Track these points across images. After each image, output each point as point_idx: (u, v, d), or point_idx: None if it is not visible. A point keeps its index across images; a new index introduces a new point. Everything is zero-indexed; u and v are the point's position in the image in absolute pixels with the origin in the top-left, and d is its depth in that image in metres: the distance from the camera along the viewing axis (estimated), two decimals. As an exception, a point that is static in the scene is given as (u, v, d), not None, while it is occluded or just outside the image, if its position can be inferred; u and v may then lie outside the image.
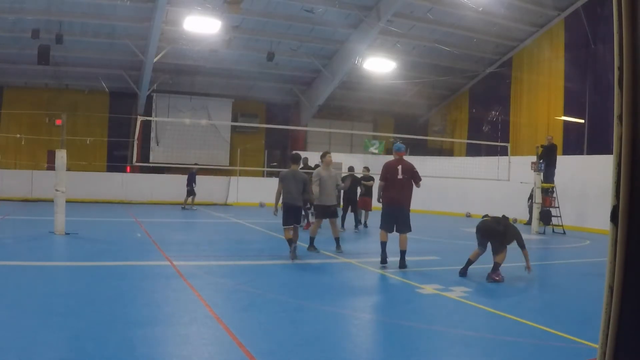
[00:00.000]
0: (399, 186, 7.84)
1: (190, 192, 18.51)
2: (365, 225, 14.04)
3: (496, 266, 7.01)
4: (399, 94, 23.21)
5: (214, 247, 10.33)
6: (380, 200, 8.05)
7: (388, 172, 7.94)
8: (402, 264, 7.74)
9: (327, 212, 9.40)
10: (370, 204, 13.95)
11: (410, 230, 7.91)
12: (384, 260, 7.89)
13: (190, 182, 18.51)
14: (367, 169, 14.48)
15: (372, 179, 13.86)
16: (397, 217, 7.88)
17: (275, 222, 13.13)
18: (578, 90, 17.79)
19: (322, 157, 9.60)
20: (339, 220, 10.98)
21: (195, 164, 19.08)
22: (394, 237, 7.91)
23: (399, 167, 7.87)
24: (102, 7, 16.12)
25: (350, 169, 14.11)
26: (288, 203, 8.47)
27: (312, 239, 9.31)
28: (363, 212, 14.12)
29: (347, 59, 19.78)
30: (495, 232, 7.06)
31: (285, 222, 8.43)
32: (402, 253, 7.79)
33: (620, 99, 1.11)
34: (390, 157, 8.33)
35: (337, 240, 9.26)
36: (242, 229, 13.83)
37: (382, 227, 8.01)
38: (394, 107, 24.64)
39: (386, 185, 7.91)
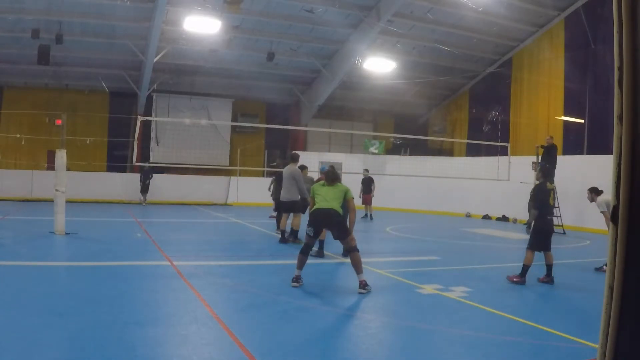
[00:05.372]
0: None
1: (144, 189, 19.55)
2: (371, 218, 16.76)
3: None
4: (399, 94, 23.19)
5: (214, 247, 10.33)
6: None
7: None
8: (321, 253, 8.75)
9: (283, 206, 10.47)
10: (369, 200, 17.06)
11: None
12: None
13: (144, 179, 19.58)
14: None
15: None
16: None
17: (273, 222, 13.17)
18: (578, 90, 17.77)
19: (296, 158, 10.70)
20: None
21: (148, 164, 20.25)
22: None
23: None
24: (102, 7, 16.10)
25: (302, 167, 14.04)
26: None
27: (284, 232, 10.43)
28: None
29: (347, 59, 19.78)
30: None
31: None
32: (321, 242, 8.74)
33: (620, 99, 1.11)
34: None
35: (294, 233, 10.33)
36: (242, 229, 13.82)
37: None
38: (394, 107, 24.62)
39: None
